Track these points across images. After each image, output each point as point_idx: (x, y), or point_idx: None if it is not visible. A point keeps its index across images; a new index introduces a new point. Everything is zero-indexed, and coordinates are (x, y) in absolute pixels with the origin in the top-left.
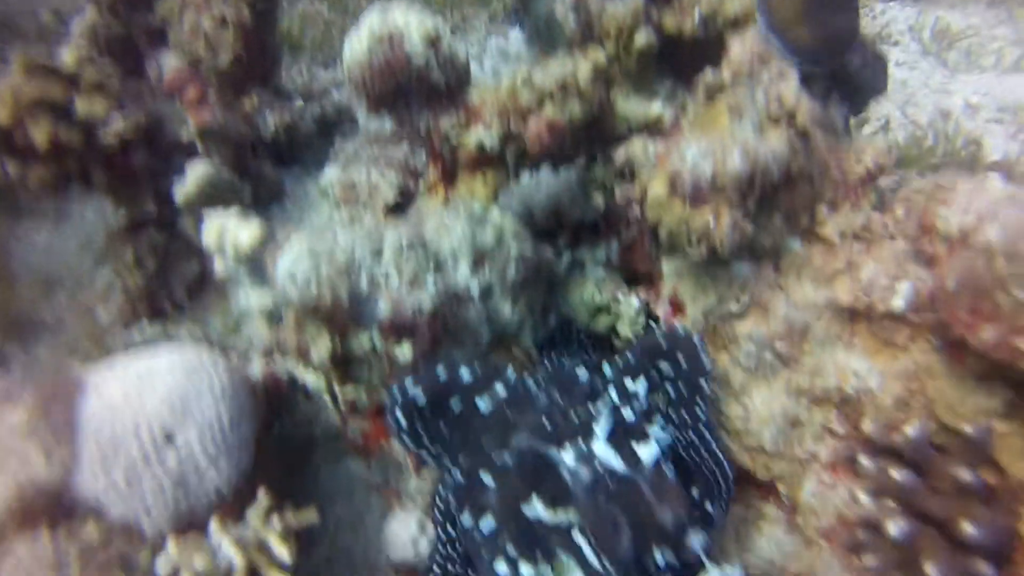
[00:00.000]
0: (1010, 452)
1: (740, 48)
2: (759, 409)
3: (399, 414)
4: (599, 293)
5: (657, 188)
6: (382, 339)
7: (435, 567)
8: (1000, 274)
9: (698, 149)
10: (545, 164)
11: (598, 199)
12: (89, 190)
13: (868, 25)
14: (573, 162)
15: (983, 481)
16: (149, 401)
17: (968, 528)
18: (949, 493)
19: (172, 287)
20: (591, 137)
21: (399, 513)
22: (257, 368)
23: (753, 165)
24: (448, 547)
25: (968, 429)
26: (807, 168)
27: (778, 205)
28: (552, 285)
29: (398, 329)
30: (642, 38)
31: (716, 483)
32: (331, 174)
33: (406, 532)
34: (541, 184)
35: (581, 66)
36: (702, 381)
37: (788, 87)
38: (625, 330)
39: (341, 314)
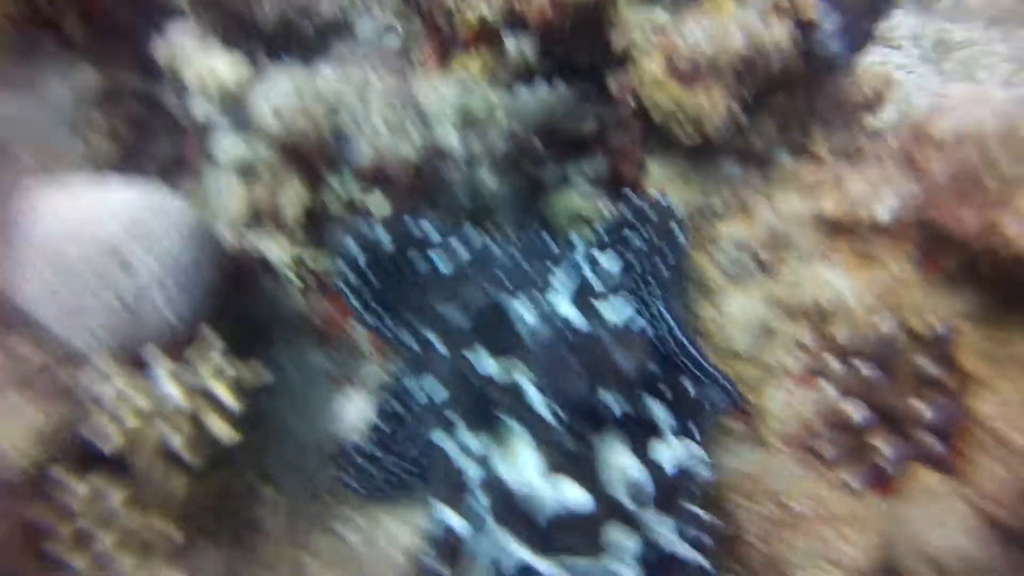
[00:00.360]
0: (970, 351)
1: None
2: (734, 313)
3: (356, 260)
4: (582, 201)
5: (654, 67)
6: (360, 188)
7: (373, 440)
8: (992, 157)
9: (699, 28)
10: (546, 55)
11: (592, 119)
12: (63, 51)
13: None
14: (571, 70)
15: (941, 372)
16: (108, 223)
17: (921, 408)
18: (909, 384)
19: (146, 165)
20: (592, 43)
21: (351, 393)
22: (226, 239)
23: (755, 48)
24: (389, 422)
25: (934, 326)
26: (805, 76)
27: (775, 109)
28: (536, 190)
29: (377, 176)
30: None
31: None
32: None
33: (356, 412)
34: (536, 95)
35: None
36: (676, 255)
37: None
38: None
39: (322, 154)
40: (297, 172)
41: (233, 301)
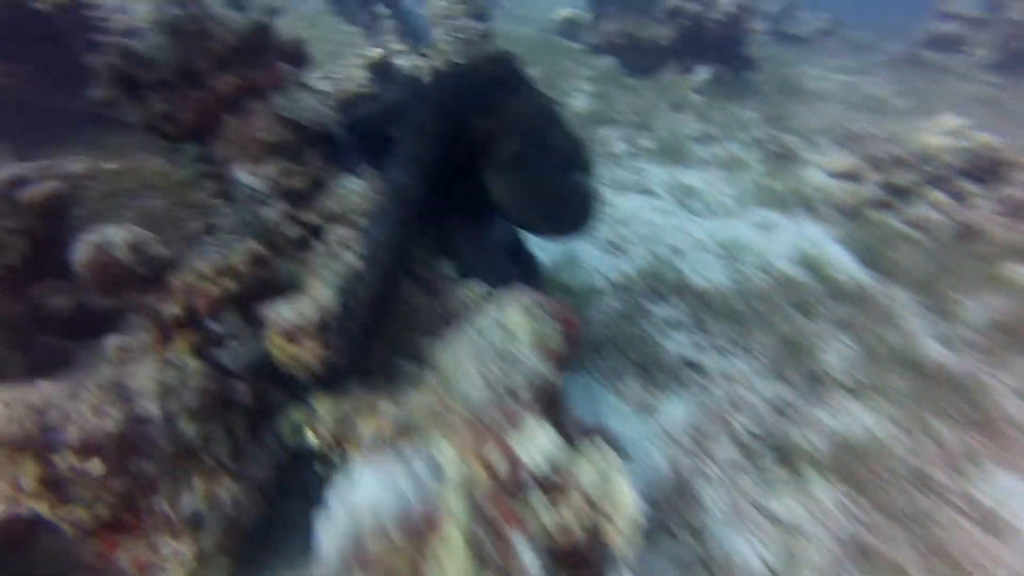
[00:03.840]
0: None
1: (331, 235)
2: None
3: None
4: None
5: (272, 336)
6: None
7: None
8: None
9: (288, 308)
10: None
11: None
12: None
13: (636, 181)
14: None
15: None
16: None
17: None
18: None
19: None
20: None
21: None
22: None
23: (323, 318)
24: None
25: None
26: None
27: (385, 336)
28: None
29: (89, 448)
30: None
31: None
32: (111, 339)
33: None
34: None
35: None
36: None
37: (350, 256)
38: None
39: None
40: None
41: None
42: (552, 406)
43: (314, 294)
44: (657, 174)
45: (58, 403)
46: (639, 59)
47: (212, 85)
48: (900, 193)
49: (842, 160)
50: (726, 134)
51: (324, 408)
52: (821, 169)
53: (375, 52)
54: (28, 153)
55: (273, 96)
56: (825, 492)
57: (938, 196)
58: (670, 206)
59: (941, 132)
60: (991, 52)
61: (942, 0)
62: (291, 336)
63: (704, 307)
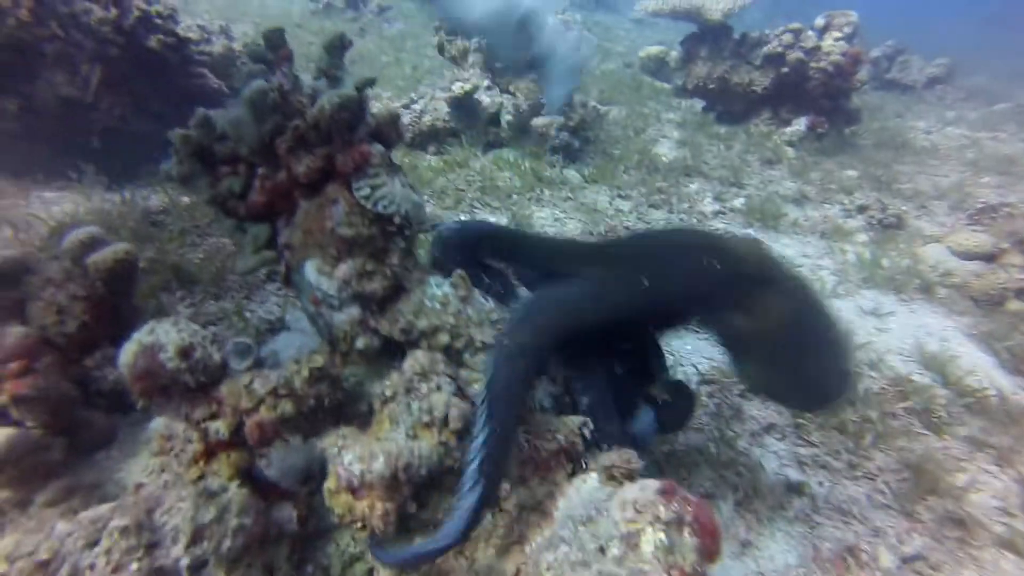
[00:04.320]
0: None
1: (409, 362)
2: None
3: None
4: None
5: (331, 482)
6: None
7: None
8: None
9: (352, 454)
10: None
11: None
12: None
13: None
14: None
15: None
16: None
17: None
18: None
19: None
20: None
21: None
22: None
23: (394, 468)
24: None
25: None
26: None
27: (445, 488)
28: None
29: None
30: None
31: None
32: (156, 423)
33: None
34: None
35: (299, 370)
36: None
37: (439, 398)
38: None
39: None
40: None
41: None
42: None
43: (384, 440)
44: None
45: (70, 554)
46: (730, 105)
47: (290, 166)
48: None
49: (974, 237)
50: (823, 196)
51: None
52: (944, 245)
53: (462, 87)
54: (117, 182)
55: (358, 181)
56: None
57: None
58: None
59: None
60: None
61: None
62: (353, 490)
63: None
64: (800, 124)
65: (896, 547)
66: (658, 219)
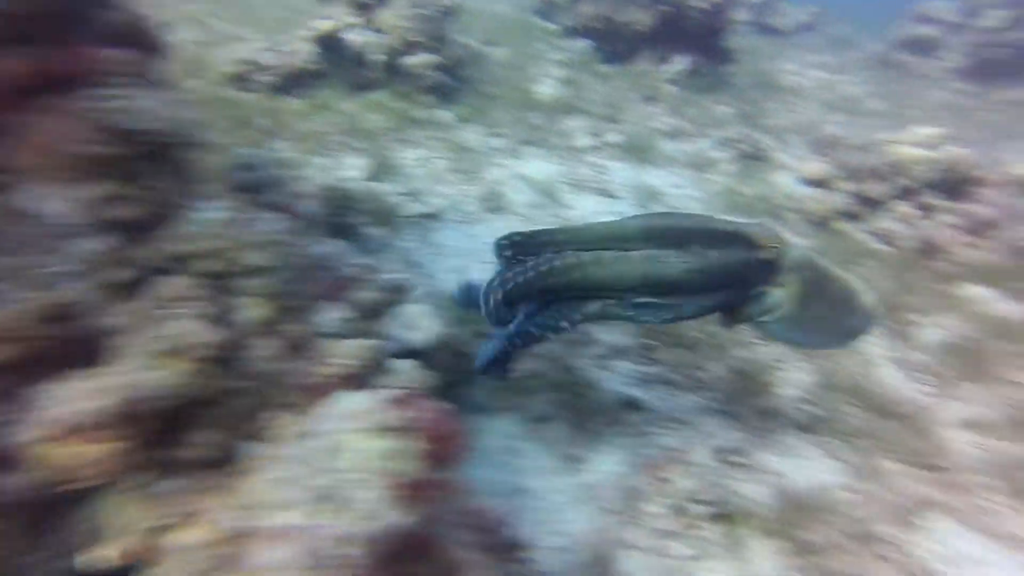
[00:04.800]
0: None
1: (155, 290)
2: None
3: None
4: None
5: (44, 431)
6: None
7: None
8: None
9: (71, 393)
10: None
11: None
12: None
13: (597, 180)
14: None
15: None
16: None
17: None
18: None
19: None
20: None
21: None
22: None
23: (129, 403)
24: None
25: None
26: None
27: (206, 423)
28: None
29: None
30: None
31: None
32: None
33: None
34: None
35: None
36: None
37: (182, 326)
38: None
39: None
40: None
41: None
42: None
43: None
44: (620, 172)
45: None
46: (616, 45)
47: None
48: (870, 204)
49: (816, 167)
50: (698, 131)
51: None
52: (794, 175)
53: (326, 24)
54: None
55: (91, 92)
56: (764, 558)
57: (906, 209)
58: (629, 210)
59: (915, 143)
60: (962, 58)
61: (920, 1)
62: (74, 433)
63: (654, 332)
64: (680, 63)
65: (713, 444)
66: (532, 154)
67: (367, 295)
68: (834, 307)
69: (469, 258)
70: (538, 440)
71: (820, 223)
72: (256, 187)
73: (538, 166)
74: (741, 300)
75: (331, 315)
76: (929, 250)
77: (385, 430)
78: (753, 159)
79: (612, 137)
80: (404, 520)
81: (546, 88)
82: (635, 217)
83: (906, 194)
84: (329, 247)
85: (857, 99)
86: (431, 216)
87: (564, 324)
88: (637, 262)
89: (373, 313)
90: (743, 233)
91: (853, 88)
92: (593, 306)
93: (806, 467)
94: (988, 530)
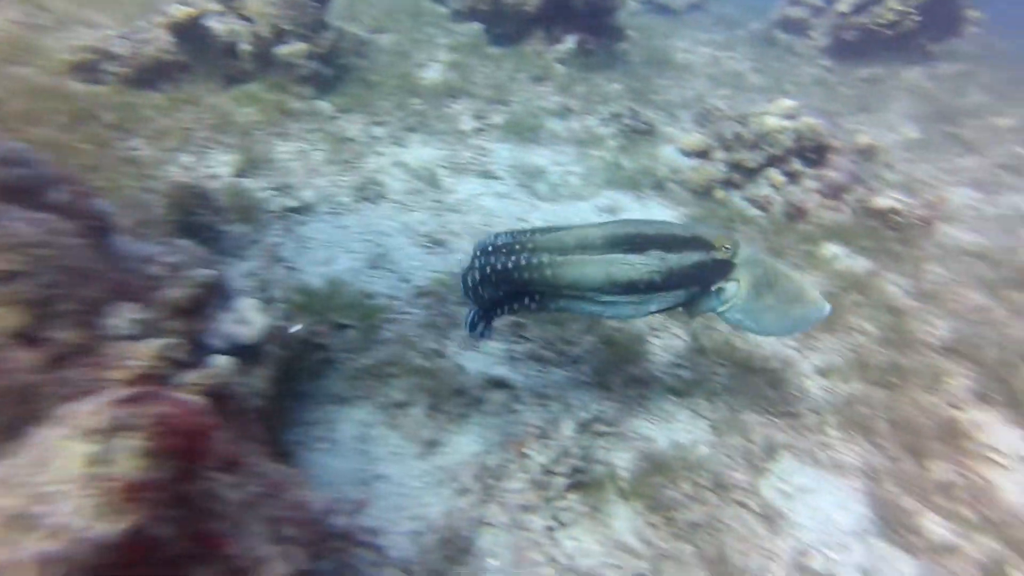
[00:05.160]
0: None
1: None
2: None
3: None
4: None
5: None
6: None
7: None
8: None
9: None
10: None
11: None
12: None
13: (479, 161)
14: None
15: None
16: None
17: None
18: None
19: None
20: None
21: None
22: None
23: None
24: None
25: None
26: None
27: None
28: None
29: None
30: None
31: None
32: None
33: None
34: None
35: None
36: None
37: None
38: None
39: None
40: None
41: None
42: None
43: None
44: (503, 153)
45: None
46: (505, 27)
47: None
48: (745, 172)
49: (695, 139)
50: (586, 108)
51: None
52: (677, 147)
53: (182, 11)
54: None
55: None
56: (624, 519)
57: (776, 176)
58: (511, 189)
59: (778, 114)
60: (825, 38)
61: None
62: None
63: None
64: (569, 42)
65: (580, 417)
66: (415, 140)
67: (175, 293)
68: (784, 298)
69: (336, 249)
70: (395, 427)
71: (702, 192)
72: (20, 185)
73: (420, 152)
74: (701, 294)
75: (126, 317)
76: (796, 213)
77: (94, 432)
78: (640, 134)
79: (497, 119)
80: (112, 529)
81: (432, 73)
82: (600, 225)
83: (774, 162)
84: (140, 247)
85: (741, 74)
86: (300, 209)
87: (533, 306)
88: (603, 264)
89: (187, 311)
90: (700, 237)
91: (737, 64)
92: (563, 301)
93: (673, 429)
94: (821, 463)
